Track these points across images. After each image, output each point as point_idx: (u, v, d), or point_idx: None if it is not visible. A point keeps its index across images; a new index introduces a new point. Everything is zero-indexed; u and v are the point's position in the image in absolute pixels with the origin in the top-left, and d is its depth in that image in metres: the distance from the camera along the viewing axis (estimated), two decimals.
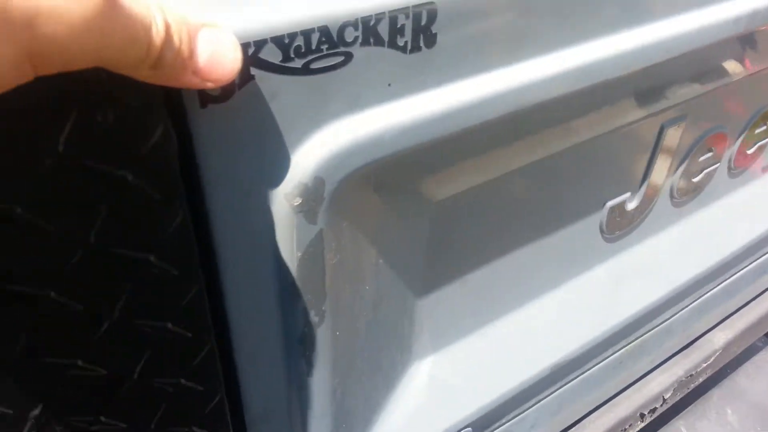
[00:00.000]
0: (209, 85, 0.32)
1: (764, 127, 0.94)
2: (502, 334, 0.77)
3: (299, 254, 0.44)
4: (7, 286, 0.35)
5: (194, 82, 0.31)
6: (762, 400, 1.26)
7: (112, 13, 0.26)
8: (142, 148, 0.34)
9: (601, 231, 0.81)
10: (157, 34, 0.28)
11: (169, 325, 0.43)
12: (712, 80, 0.72)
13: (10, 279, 0.35)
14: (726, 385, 1.29)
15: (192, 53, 0.30)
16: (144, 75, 0.29)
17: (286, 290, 0.46)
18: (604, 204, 0.77)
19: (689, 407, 1.24)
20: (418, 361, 0.70)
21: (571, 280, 0.83)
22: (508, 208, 0.65)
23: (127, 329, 0.41)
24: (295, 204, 0.41)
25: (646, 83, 0.64)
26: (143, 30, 0.28)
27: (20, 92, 0.25)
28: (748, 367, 1.32)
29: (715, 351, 1.24)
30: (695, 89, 0.72)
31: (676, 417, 1.23)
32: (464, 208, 0.59)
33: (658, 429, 1.20)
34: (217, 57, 0.31)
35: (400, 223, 0.53)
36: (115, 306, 0.40)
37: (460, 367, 0.74)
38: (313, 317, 0.49)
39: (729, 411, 1.25)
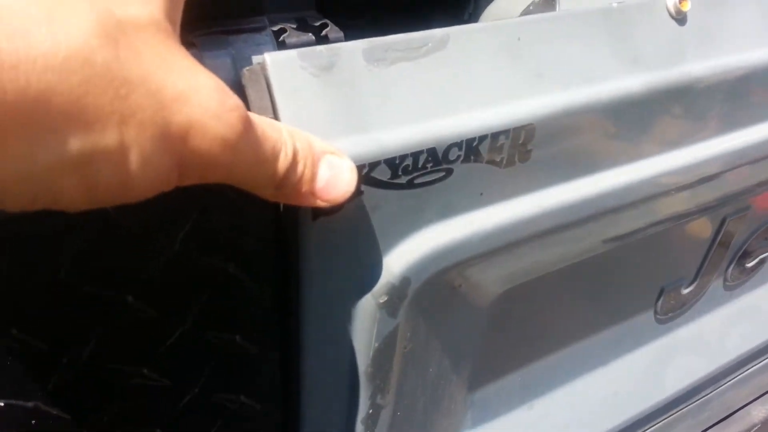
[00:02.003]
0: (324, 204, 0.33)
1: None
2: (545, 410, 0.78)
3: (376, 345, 0.46)
4: (107, 364, 0.38)
5: (310, 201, 0.33)
6: None
7: (248, 135, 0.28)
8: (246, 246, 0.36)
9: (655, 313, 0.81)
10: (285, 159, 0.30)
11: (242, 398, 0.45)
12: None
13: (111, 358, 0.37)
14: None
15: (313, 177, 0.32)
16: (266, 194, 0.32)
17: (359, 376, 0.47)
18: (662, 289, 0.77)
19: None
20: None
21: (619, 358, 0.83)
22: (566, 295, 0.65)
23: (205, 403, 0.43)
24: (381, 301, 0.43)
25: (717, 182, 0.65)
26: (273, 154, 0.30)
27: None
28: None
29: (754, 425, 1.22)
30: (762, 181, 0.72)
31: None
32: (524, 296, 0.60)
33: None
34: (335, 180, 0.33)
35: (465, 312, 0.54)
36: (197, 383, 0.42)
37: None
38: (379, 400, 0.50)
39: None
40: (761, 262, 0.90)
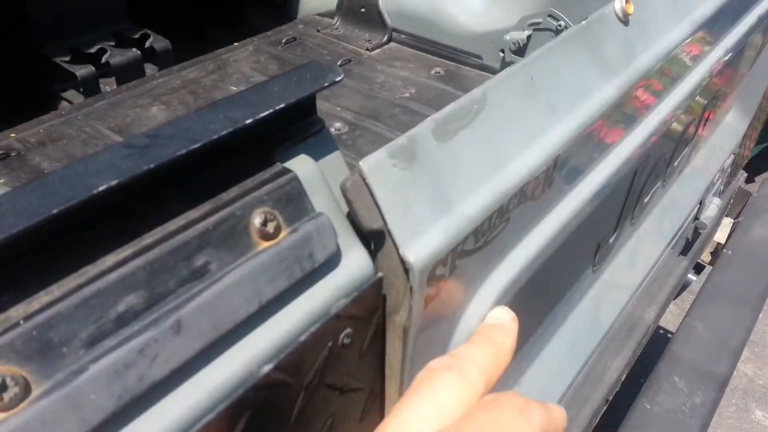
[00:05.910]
0: None
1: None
2: (531, 382, 0.83)
3: None
4: None
5: None
6: (697, 362, 1.42)
7: None
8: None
9: (592, 265, 0.89)
10: None
11: None
12: None
13: None
14: (667, 357, 1.44)
15: None
16: None
17: None
18: (598, 245, 0.85)
19: (646, 385, 1.38)
20: None
21: (572, 313, 0.91)
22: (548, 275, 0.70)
23: None
24: None
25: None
26: None
27: None
28: (680, 335, 1.49)
29: (648, 326, 1.40)
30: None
31: (639, 396, 1.36)
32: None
33: (629, 412, 1.32)
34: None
35: None
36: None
37: None
38: None
39: (676, 379, 1.40)
40: (652, 195, 1.03)
